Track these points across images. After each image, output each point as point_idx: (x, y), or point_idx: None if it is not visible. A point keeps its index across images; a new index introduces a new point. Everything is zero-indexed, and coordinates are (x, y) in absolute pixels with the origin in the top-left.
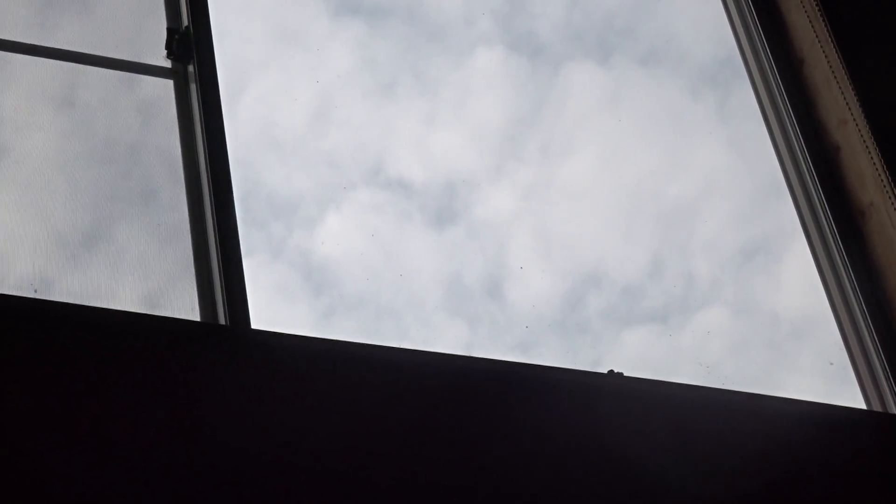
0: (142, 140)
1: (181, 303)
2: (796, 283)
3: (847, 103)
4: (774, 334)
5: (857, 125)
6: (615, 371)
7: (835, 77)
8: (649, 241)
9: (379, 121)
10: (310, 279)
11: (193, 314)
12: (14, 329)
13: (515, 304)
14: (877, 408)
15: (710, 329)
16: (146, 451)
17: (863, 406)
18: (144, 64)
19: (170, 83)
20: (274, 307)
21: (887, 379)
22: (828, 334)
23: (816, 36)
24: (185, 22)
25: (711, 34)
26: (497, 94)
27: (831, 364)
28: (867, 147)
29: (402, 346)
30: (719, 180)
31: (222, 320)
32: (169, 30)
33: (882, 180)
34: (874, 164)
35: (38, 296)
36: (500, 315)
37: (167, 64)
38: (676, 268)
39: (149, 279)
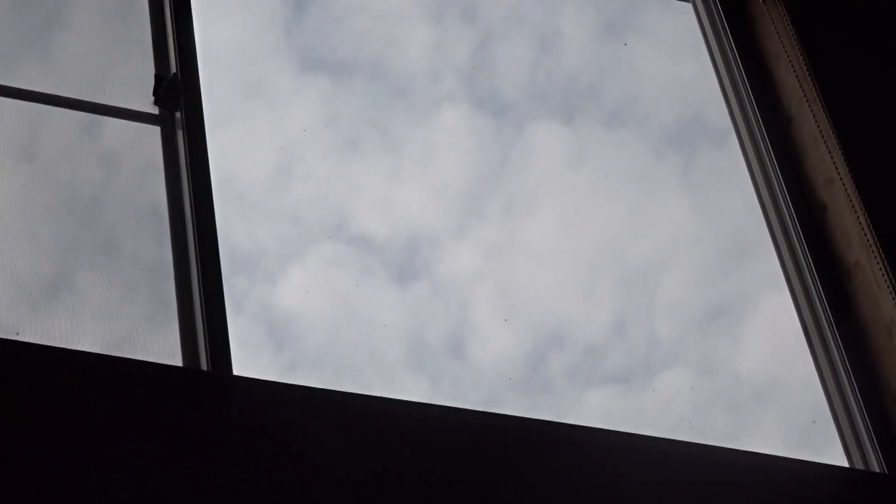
0: (118, 186)
1: (157, 348)
2: (760, 344)
3: (834, 162)
4: (737, 396)
5: (843, 184)
6: None
7: (822, 136)
8: (612, 301)
9: (342, 176)
10: (272, 333)
11: (168, 361)
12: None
13: (478, 361)
14: (859, 466)
15: (675, 390)
16: (132, 497)
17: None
18: (131, 110)
19: (156, 129)
20: (236, 361)
21: (870, 438)
22: (791, 396)
23: (804, 95)
24: (174, 69)
25: (676, 96)
26: (461, 151)
27: (814, 422)
28: (853, 206)
29: (390, 397)
30: (683, 241)
31: (204, 366)
32: (157, 76)
33: (868, 240)
34: (860, 223)
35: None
36: (462, 372)
37: (154, 110)
38: (639, 328)
39: (116, 326)
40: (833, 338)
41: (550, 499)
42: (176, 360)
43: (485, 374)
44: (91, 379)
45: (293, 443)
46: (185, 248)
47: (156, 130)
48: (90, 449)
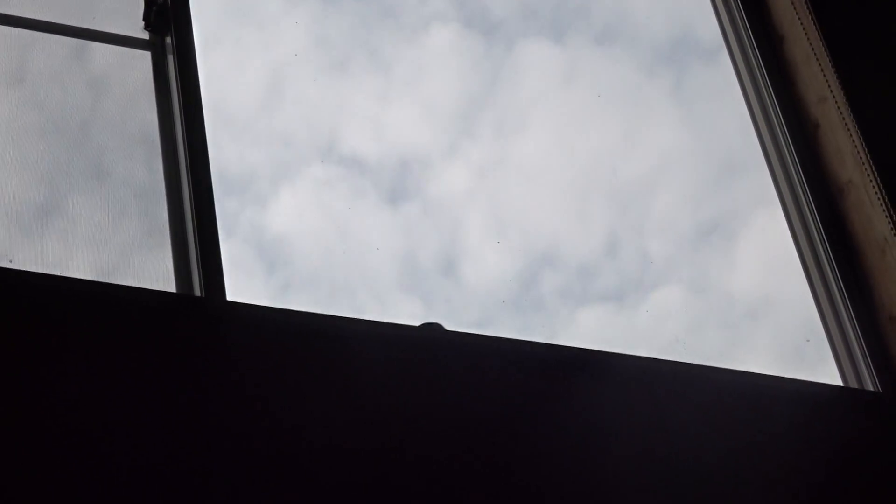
0: (108, 110)
1: (149, 273)
2: (752, 262)
3: (827, 80)
4: (730, 314)
5: (836, 102)
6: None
7: (815, 54)
8: (604, 220)
9: (332, 98)
10: (263, 255)
11: (161, 286)
12: None
13: (470, 281)
14: (853, 385)
15: (667, 308)
16: (125, 425)
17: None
18: (121, 35)
19: (146, 54)
20: (228, 284)
21: (864, 357)
22: (784, 314)
23: (797, 13)
24: None
25: (666, 12)
26: (451, 71)
27: (808, 341)
28: (846, 124)
29: (385, 321)
30: (674, 159)
31: (197, 292)
32: (147, 1)
33: (861, 158)
34: (853, 141)
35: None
36: (454, 293)
37: (144, 35)
38: (631, 247)
39: (108, 250)
40: (826, 257)
41: (543, 421)
42: (169, 285)
43: (477, 294)
44: (85, 306)
45: (289, 369)
46: (178, 174)
47: (146, 55)
48: (84, 377)
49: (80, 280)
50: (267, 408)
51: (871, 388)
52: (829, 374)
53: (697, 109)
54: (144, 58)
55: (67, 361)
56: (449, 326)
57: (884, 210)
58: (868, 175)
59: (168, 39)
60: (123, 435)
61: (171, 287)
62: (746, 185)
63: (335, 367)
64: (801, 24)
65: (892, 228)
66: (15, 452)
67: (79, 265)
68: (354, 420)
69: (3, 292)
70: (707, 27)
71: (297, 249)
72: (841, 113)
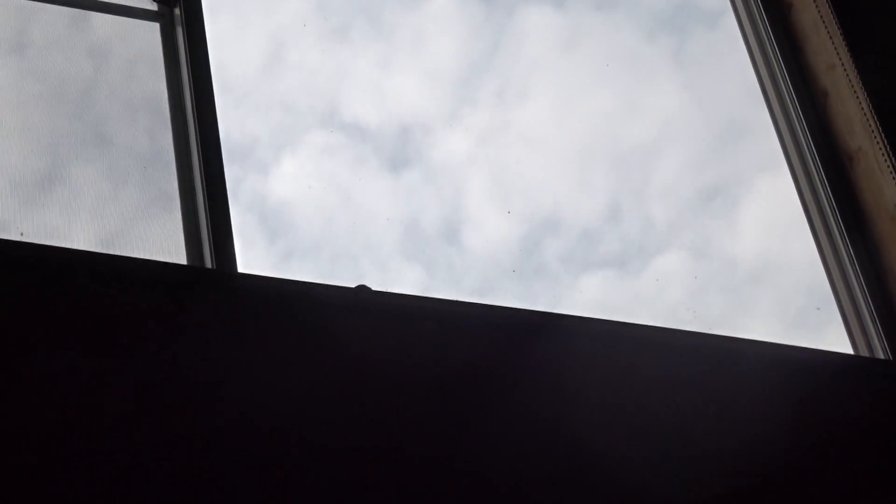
0: (117, 82)
1: (152, 244)
2: (755, 227)
3: (836, 48)
4: (732, 279)
5: (845, 70)
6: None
7: (823, 22)
8: (606, 186)
9: (333, 64)
10: (265, 223)
11: (165, 255)
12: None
13: (472, 248)
14: (864, 353)
15: (670, 273)
16: (135, 401)
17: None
18: (130, 6)
19: (155, 25)
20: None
21: (874, 324)
22: (787, 279)
23: None
24: None
25: None
26: (452, 37)
27: (818, 309)
28: (855, 92)
29: (394, 291)
30: (676, 124)
31: (208, 262)
32: None
33: (870, 125)
34: (862, 109)
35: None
36: (457, 259)
37: (153, 6)
38: (634, 212)
39: (112, 220)
40: (836, 225)
41: (546, 391)
42: (173, 254)
43: (480, 260)
44: (94, 278)
45: (301, 340)
46: (188, 146)
47: (155, 27)
48: (96, 350)
49: (92, 252)
50: (280, 381)
51: (882, 357)
52: (835, 339)
53: (699, 74)
54: (146, 26)
55: (78, 334)
56: (451, 293)
57: (893, 178)
58: (878, 143)
59: (177, 10)
60: (133, 410)
61: (178, 256)
62: (749, 149)
63: (349, 336)
64: None
65: None
66: (21, 430)
67: (80, 235)
68: (367, 388)
69: (13, 265)
70: None
71: (299, 217)
72: (850, 81)
